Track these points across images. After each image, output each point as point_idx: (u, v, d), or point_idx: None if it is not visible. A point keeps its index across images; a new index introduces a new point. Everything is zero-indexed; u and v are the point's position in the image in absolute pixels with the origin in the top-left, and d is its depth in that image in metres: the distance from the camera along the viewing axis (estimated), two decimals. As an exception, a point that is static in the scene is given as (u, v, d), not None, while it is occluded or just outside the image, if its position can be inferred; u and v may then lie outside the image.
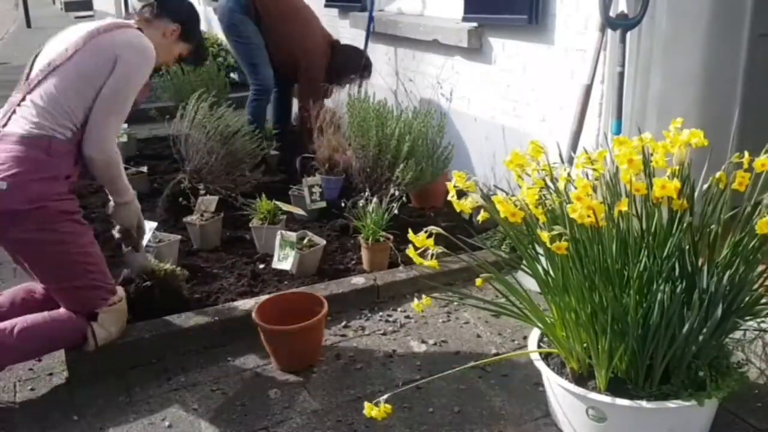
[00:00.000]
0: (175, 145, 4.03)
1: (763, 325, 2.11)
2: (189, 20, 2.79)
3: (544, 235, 1.87)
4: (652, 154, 1.95)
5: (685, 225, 1.97)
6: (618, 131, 2.97)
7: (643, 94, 3.09)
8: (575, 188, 1.89)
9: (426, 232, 2.08)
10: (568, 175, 2.08)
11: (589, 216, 1.79)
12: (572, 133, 3.06)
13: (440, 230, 2.09)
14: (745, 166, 1.97)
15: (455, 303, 2.97)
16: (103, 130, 2.41)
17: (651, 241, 1.98)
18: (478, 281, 2.16)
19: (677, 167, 1.98)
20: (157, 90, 6.31)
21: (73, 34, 2.51)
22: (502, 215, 1.94)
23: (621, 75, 2.97)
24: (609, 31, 3.00)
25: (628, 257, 1.99)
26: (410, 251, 2.07)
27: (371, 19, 4.95)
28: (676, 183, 1.83)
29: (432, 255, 2.06)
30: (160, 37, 2.68)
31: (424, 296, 2.12)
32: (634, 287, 1.94)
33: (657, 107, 3.10)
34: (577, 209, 1.80)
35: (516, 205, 1.97)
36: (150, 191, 4.38)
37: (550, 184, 2.09)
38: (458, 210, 2.06)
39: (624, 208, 1.86)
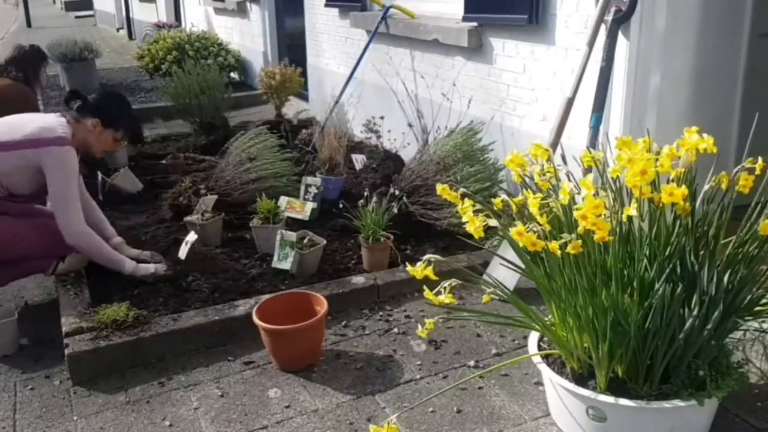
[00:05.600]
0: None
1: (764, 325, 2.12)
2: (104, 112, 3.13)
3: (554, 245, 1.86)
4: (657, 158, 1.93)
5: (687, 226, 1.97)
6: (597, 124, 2.97)
7: (642, 93, 3.09)
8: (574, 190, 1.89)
9: (424, 261, 2.08)
10: (568, 173, 2.08)
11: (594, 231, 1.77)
12: (549, 144, 3.02)
13: (438, 257, 2.10)
14: (758, 172, 1.96)
15: (456, 303, 2.96)
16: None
17: (653, 241, 1.98)
18: (485, 298, 2.17)
19: (682, 170, 1.96)
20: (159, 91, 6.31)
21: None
22: (521, 245, 1.91)
23: (603, 69, 2.97)
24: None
25: (632, 258, 1.99)
26: (428, 294, 2.07)
27: (384, 19, 4.91)
28: (684, 189, 1.80)
29: (446, 288, 2.07)
30: (87, 132, 3.09)
31: (428, 321, 2.11)
32: (637, 288, 1.94)
33: (656, 106, 3.10)
34: (583, 225, 1.78)
35: (523, 213, 1.96)
36: (148, 185, 4.40)
37: (554, 182, 2.09)
38: (475, 235, 2.05)
39: (633, 213, 1.84)
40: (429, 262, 2.08)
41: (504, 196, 2.16)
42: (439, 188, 2.14)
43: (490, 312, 2.35)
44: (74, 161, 2.95)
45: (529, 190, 2.12)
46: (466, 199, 2.08)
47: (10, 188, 2.94)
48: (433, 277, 2.07)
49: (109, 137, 3.18)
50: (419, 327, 2.12)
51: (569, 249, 1.84)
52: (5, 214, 2.95)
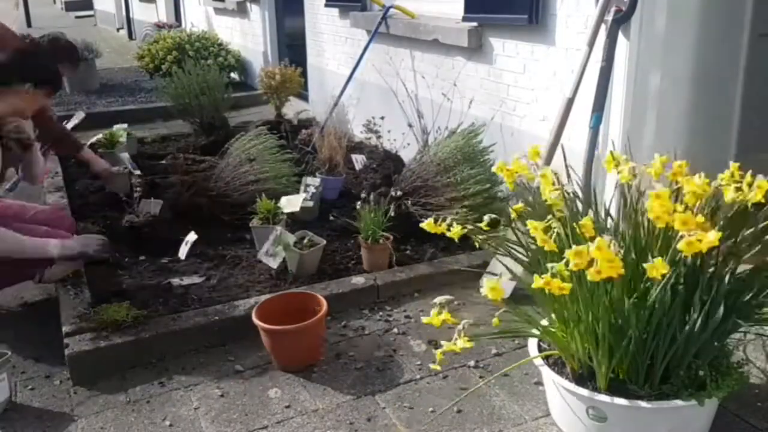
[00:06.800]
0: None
1: (765, 326, 2.11)
2: (36, 75, 2.93)
3: (561, 266, 1.82)
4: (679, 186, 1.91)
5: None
6: (597, 124, 2.98)
7: (642, 93, 3.09)
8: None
9: (436, 308, 2.01)
10: (557, 175, 2.07)
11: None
12: (549, 144, 3.03)
13: (449, 297, 2.04)
14: (745, 188, 1.91)
15: (455, 302, 2.96)
16: None
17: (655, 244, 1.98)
18: (495, 320, 2.12)
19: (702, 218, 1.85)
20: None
21: None
22: (548, 291, 1.83)
23: (603, 69, 2.97)
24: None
25: (635, 260, 1.98)
26: (439, 354, 2.01)
27: (384, 19, 4.91)
28: (718, 235, 1.69)
29: (461, 331, 2.00)
30: (17, 99, 2.90)
31: (437, 352, 2.03)
32: (640, 289, 1.94)
33: (656, 106, 3.10)
34: (599, 268, 1.73)
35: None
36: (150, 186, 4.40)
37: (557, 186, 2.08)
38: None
39: (664, 271, 1.74)
40: (441, 306, 1.99)
41: (509, 209, 2.14)
42: (426, 224, 2.11)
43: (489, 332, 2.31)
44: None
45: (523, 203, 2.10)
46: (454, 225, 2.05)
47: None
48: (452, 321, 1.98)
49: (40, 95, 3.02)
50: (419, 327, 2.11)
51: (572, 265, 1.80)
52: None
